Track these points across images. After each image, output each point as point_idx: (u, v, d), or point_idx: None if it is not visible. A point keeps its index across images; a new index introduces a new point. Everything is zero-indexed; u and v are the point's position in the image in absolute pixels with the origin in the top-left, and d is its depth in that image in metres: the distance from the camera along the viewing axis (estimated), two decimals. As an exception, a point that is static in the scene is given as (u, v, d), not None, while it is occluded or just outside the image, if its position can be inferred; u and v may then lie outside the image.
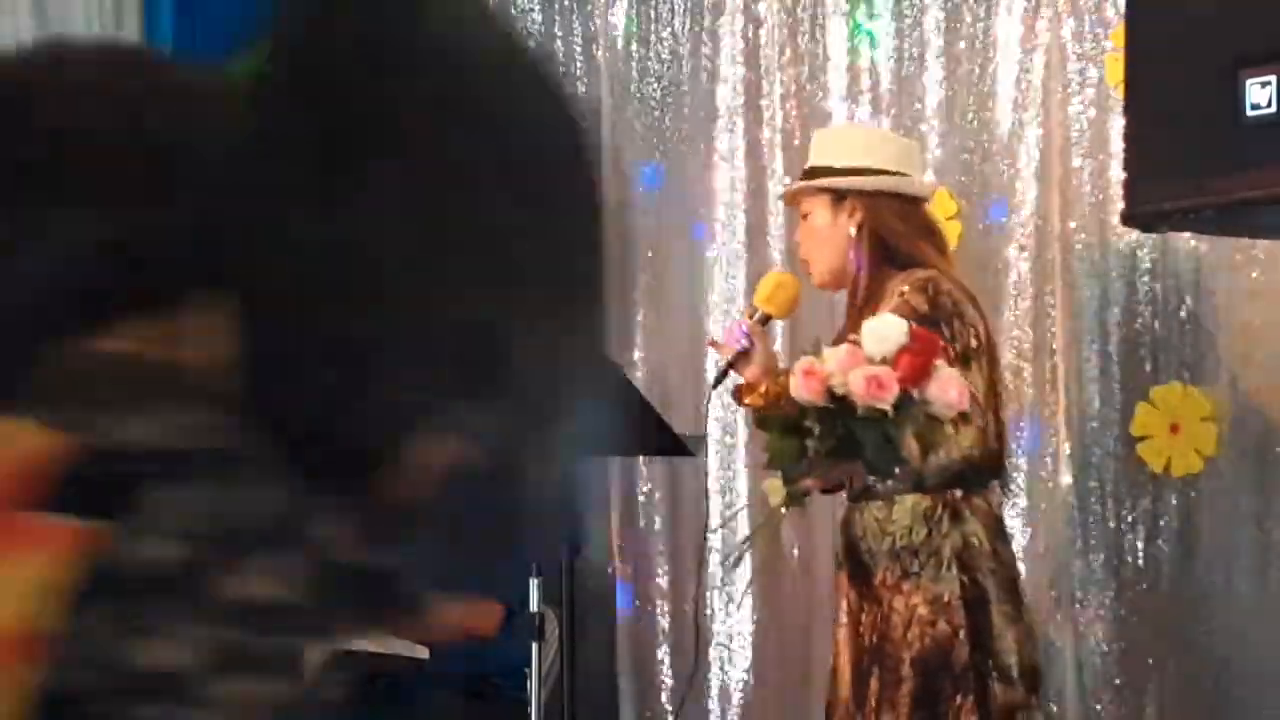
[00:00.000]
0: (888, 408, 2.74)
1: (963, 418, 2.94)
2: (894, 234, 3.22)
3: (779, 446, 2.89)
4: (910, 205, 3.27)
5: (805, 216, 3.32)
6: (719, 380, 3.43)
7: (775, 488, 2.99)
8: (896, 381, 2.74)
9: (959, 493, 3.14)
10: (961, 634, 3.06)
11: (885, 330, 2.79)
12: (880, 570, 3.16)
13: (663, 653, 4.60)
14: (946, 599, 3.07)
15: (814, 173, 3.32)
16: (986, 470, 3.17)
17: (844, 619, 3.23)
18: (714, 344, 3.49)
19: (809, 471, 2.89)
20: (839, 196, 3.25)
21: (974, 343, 3.11)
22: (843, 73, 4.28)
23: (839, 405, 2.77)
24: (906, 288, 3.10)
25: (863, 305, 3.18)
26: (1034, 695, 3.14)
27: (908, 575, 3.10)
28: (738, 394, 3.31)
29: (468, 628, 4.26)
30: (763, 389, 3.21)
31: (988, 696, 3.06)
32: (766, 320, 3.36)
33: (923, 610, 3.07)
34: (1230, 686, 3.63)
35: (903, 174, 3.27)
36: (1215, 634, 3.64)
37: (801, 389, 2.77)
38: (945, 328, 3.06)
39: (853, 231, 3.23)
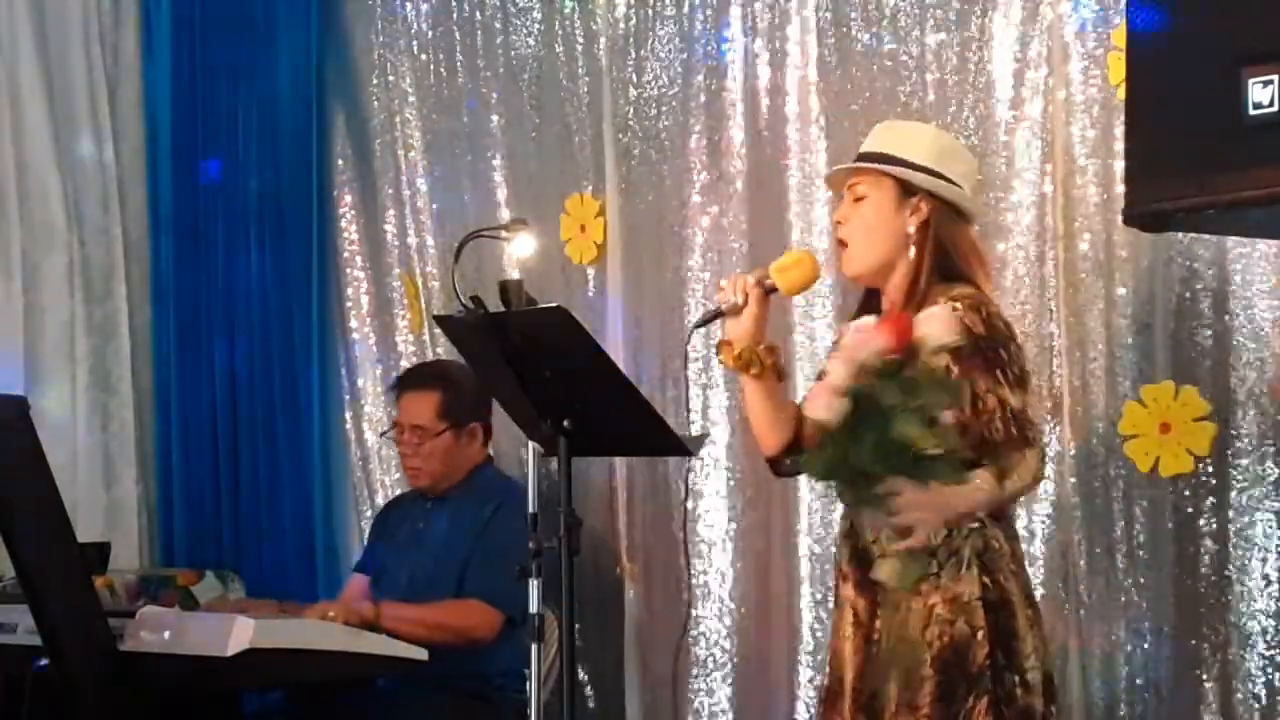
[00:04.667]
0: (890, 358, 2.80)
1: (1026, 441, 2.98)
2: (955, 245, 3.16)
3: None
4: (966, 223, 3.21)
5: (859, 200, 3.21)
6: (701, 323, 3.35)
7: (889, 569, 3.03)
8: (888, 337, 2.84)
9: None
10: (980, 635, 3.01)
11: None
12: None
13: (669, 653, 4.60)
14: (966, 599, 3.02)
15: (883, 159, 3.20)
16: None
17: (849, 630, 3.18)
18: (720, 287, 3.35)
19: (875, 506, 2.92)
20: (908, 191, 3.17)
21: (1027, 368, 3.10)
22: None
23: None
24: (959, 305, 3.04)
25: (909, 310, 3.11)
26: (1053, 704, 3.11)
27: (925, 576, 3.05)
28: (719, 347, 3.27)
29: (467, 633, 4.26)
30: (737, 351, 3.22)
31: (1008, 700, 3.02)
32: (772, 291, 3.22)
33: (941, 609, 3.03)
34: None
35: (964, 190, 3.20)
36: (1214, 631, 3.64)
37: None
38: (1003, 350, 3.03)
39: (912, 230, 3.15)
